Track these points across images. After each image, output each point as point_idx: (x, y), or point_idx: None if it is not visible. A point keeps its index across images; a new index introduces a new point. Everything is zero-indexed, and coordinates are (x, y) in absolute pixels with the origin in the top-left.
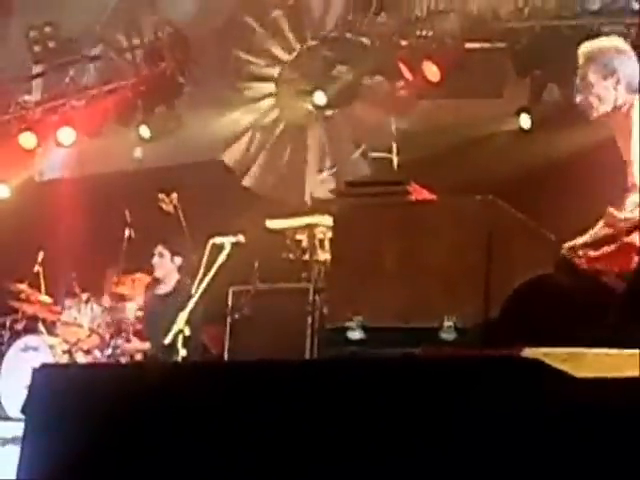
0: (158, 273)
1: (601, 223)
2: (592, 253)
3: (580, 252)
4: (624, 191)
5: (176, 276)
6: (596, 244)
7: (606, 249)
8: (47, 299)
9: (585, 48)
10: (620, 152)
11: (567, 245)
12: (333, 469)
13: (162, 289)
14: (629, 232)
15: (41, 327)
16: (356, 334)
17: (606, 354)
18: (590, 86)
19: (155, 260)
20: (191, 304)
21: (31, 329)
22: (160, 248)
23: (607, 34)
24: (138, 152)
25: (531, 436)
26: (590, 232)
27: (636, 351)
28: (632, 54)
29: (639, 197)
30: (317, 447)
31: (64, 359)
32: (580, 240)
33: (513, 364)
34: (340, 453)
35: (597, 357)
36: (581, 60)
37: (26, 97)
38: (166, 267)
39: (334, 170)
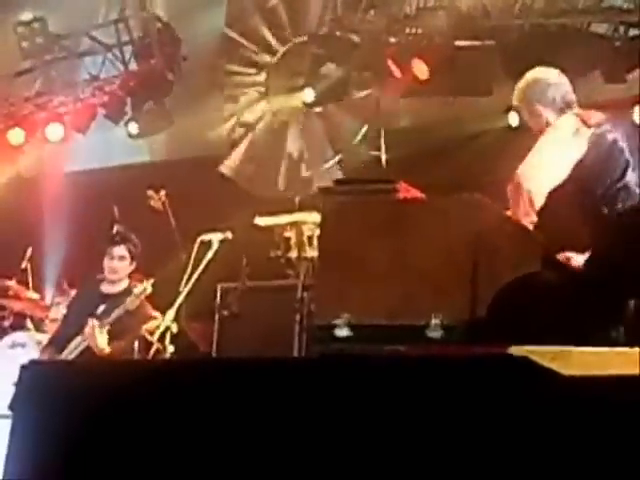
0: (114, 276)
1: None
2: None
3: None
4: None
5: (127, 281)
6: None
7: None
8: (35, 296)
9: (523, 79)
10: None
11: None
12: (321, 465)
13: (109, 288)
14: None
15: (29, 324)
16: (343, 331)
17: (593, 352)
18: (525, 111)
19: (117, 264)
20: (179, 301)
21: (19, 326)
22: (121, 250)
23: (596, 32)
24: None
25: (519, 434)
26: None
27: (622, 349)
28: (562, 82)
29: None
30: (305, 443)
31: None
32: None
33: (501, 362)
34: (328, 449)
35: (584, 355)
36: (521, 88)
37: (14, 93)
38: (125, 271)
39: (310, 173)
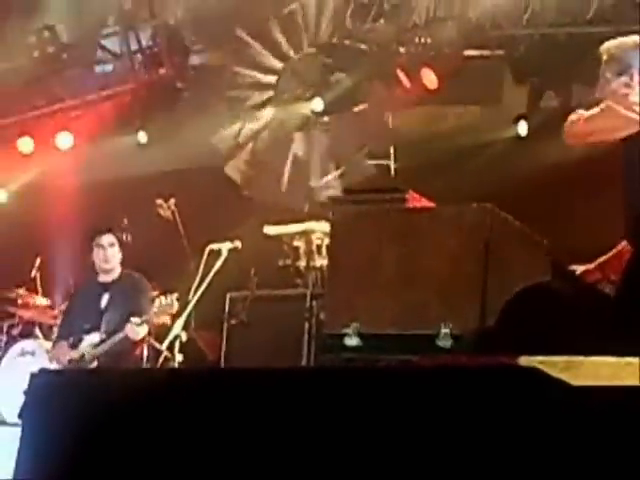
0: (107, 265)
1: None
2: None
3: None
4: None
5: (119, 268)
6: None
7: (601, 259)
8: (44, 304)
9: (604, 46)
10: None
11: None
12: (329, 475)
13: (105, 277)
14: None
15: (38, 332)
16: (353, 340)
17: (604, 362)
18: (606, 83)
19: (109, 252)
20: (188, 310)
21: (28, 334)
22: (110, 237)
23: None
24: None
25: (529, 445)
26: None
27: (634, 359)
28: None
29: None
30: (314, 453)
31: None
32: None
33: (511, 372)
34: (336, 459)
35: (594, 365)
36: (602, 58)
37: (24, 102)
38: (116, 257)
39: (337, 174)
